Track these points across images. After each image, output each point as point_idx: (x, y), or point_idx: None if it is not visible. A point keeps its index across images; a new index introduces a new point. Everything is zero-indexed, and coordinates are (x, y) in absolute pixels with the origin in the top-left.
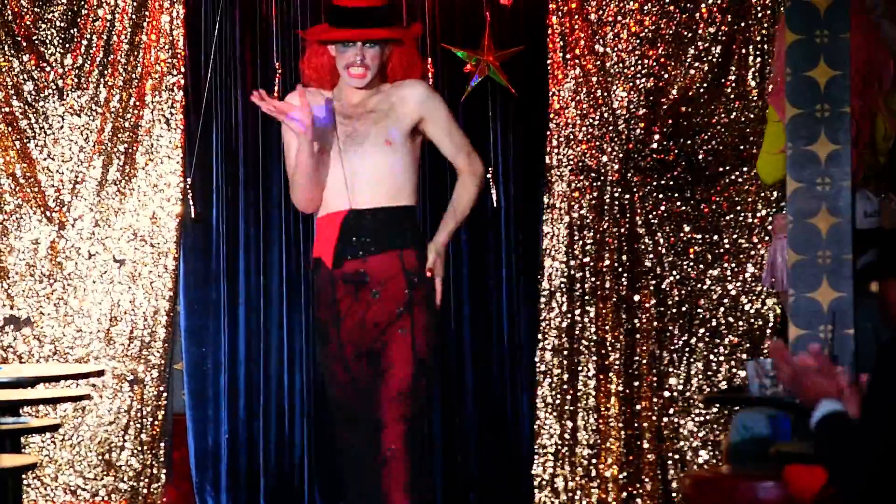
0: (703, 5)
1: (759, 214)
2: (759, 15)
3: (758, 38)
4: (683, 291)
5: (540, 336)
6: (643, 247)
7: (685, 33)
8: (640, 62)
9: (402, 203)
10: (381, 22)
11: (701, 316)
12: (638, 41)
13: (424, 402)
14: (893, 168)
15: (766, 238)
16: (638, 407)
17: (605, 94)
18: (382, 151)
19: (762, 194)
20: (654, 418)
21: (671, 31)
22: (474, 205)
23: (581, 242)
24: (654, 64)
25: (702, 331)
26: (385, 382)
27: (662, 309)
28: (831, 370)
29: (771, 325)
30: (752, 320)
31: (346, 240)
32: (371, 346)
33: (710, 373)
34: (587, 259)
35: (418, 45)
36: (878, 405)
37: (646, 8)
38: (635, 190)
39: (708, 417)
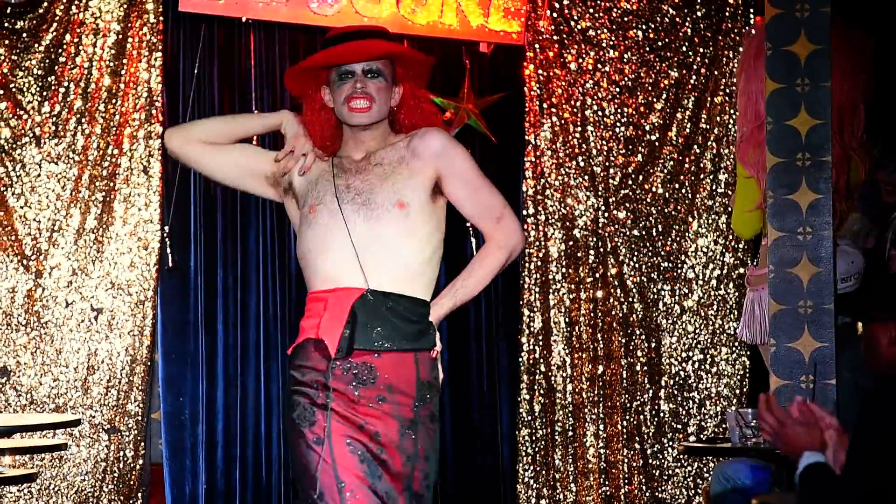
0: (681, 55)
1: (727, 264)
2: (735, 66)
3: (733, 88)
4: (654, 341)
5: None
6: (616, 294)
7: (664, 82)
8: (619, 111)
9: (420, 294)
10: (382, 36)
11: (671, 367)
12: (618, 90)
13: None
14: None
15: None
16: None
17: (583, 142)
18: (394, 218)
19: (732, 245)
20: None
21: (650, 80)
22: (489, 282)
23: (555, 291)
24: (634, 112)
25: (671, 382)
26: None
27: (631, 360)
28: (814, 422)
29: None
30: (723, 372)
31: (359, 324)
32: (370, 452)
33: (678, 425)
34: (561, 308)
35: (430, 96)
36: (862, 454)
37: (626, 57)
38: (609, 239)
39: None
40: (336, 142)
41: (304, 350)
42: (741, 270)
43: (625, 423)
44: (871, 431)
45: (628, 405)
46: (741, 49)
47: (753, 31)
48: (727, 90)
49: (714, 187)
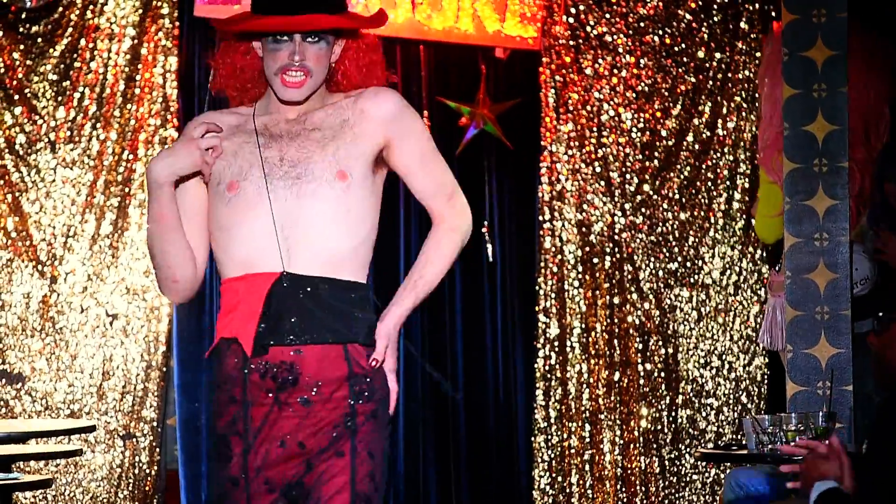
0: (697, 60)
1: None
2: (754, 71)
3: (752, 93)
4: (671, 347)
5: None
6: (633, 300)
7: (681, 87)
8: (636, 116)
9: (351, 277)
10: (329, 6)
11: (688, 374)
12: (634, 95)
13: None
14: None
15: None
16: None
17: (599, 147)
18: (333, 189)
19: (749, 250)
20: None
21: (667, 86)
22: (445, 274)
23: (571, 298)
24: (650, 118)
25: (689, 388)
26: None
27: (648, 366)
28: (837, 457)
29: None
30: (741, 378)
31: (274, 316)
32: (293, 479)
33: (695, 431)
34: (578, 315)
35: (380, 44)
36: (878, 465)
37: (642, 62)
38: (626, 245)
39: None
40: (258, 86)
41: (219, 357)
42: (759, 275)
43: (641, 429)
44: (886, 444)
45: (645, 412)
46: (759, 54)
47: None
48: (744, 95)
49: (731, 192)
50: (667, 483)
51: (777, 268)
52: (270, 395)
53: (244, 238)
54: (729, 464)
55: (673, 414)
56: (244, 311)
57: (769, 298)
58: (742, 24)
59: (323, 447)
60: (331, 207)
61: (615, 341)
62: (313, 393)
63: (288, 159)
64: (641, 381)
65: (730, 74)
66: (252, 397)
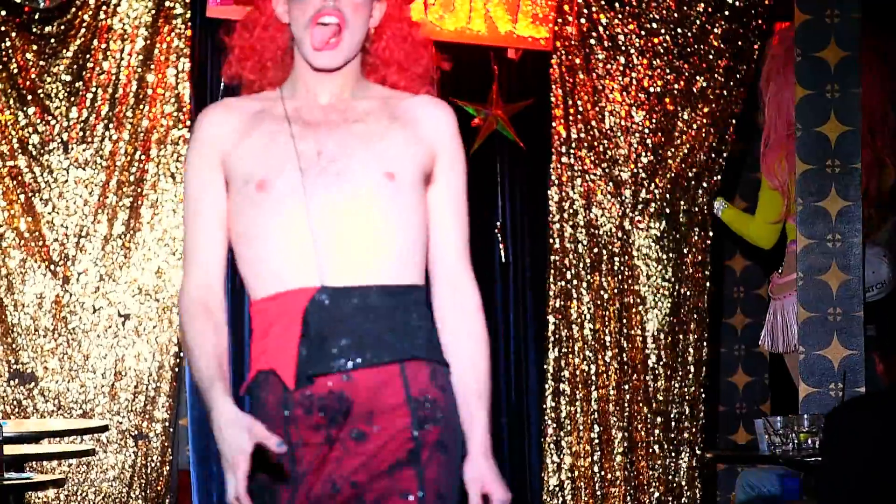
0: (709, 62)
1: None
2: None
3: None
4: (678, 348)
5: (548, 387)
6: (639, 304)
7: (695, 89)
8: (647, 117)
9: (407, 281)
10: None
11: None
12: (646, 96)
13: None
14: None
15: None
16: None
17: (609, 148)
18: (380, 188)
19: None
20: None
21: (679, 87)
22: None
23: (580, 298)
24: (662, 119)
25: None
26: None
27: (657, 368)
28: None
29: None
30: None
31: (316, 340)
32: None
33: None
34: (587, 316)
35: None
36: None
37: (654, 63)
38: (634, 246)
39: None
40: (280, 67)
41: (256, 393)
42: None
43: (652, 431)
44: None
45: (655, 413)
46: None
47: (777, 39)
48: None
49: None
50: (677, 484)
51: (779, 270)
52: (320, 431)
53: (275, 248)
54: (744, 464)
55: (683, 414)
56: (279, 336)
57: (771, 301)
58: (756, 27)
59: (382, 489)
60: (378, 209)
61: (624, 343)
62: (368, 424)
63: (327, 154)
64: (651, 383)
65: (740, 76)
66: (298, 438)
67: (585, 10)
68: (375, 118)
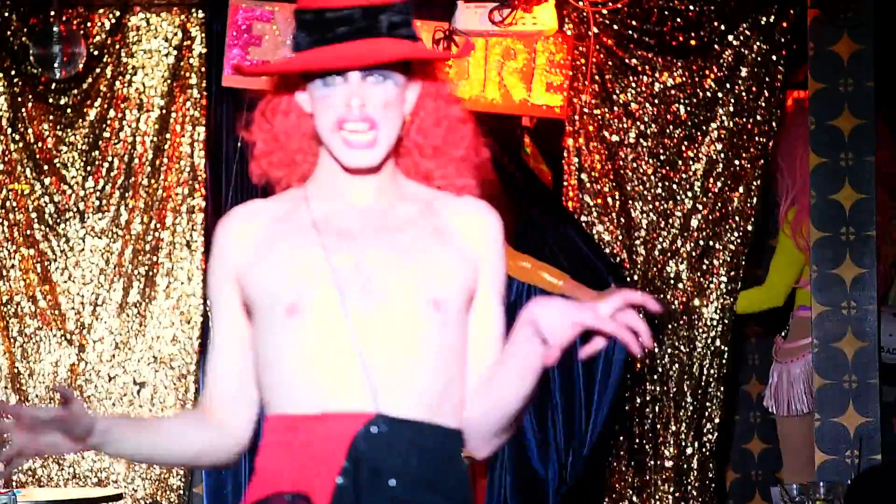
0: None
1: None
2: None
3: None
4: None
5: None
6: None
7: (705, 156)
8: (660, 184)
9: (452, 424)
10: (394, 28)
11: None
12: (659, 163)
13: None
14: None
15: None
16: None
17: (622, 216)
18: (426, 317)
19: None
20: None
21: (692, 155)
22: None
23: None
24: (675, 186)
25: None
26: None
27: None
28: None
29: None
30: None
31: (362, 472)
32: None
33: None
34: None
35: (461, 100)
36: None
37: (668, 131)
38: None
39: None
40: (310, 157)
41: None
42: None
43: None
44: None
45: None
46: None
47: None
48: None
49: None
50: (678, 482)
51: (783, 334)
52: None
53: (314, 370)
54: None
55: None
56: (316, 459)
57: (774, 363)
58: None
59: None
60: (423, 339)
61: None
62: None
63: (366, 270)
64: (658, 384)
65: (753, 143)
66: None
67: (598, 78)
68: (418, 230)
